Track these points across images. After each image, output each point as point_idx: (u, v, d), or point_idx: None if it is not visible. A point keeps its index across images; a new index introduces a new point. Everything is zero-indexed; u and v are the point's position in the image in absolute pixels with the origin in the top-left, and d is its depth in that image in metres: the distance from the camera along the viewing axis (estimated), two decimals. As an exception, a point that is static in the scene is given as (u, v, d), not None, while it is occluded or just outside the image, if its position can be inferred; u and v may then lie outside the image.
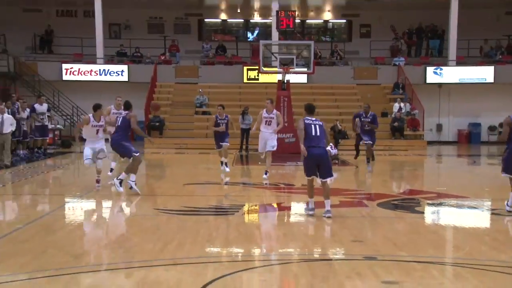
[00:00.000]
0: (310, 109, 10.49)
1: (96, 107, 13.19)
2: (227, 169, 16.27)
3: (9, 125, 18.10)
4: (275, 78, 26.44)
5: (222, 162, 16.36)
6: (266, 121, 14.90)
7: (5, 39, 32.30)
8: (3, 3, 32.42)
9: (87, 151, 12.82)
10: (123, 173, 12.34)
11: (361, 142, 18.21)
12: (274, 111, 15.13)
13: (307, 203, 10.43)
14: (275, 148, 14.98)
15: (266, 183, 14.61)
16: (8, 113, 18.74)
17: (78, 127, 14.38)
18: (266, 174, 14.95)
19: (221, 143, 16.09)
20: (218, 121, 16.11)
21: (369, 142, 17.11)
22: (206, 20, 35.45)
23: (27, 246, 8.35)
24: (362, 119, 17.18)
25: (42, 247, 8.30)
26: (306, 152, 9.89)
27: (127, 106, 13.13)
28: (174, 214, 10.67)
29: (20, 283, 6.56)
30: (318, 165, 10.02)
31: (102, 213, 11.72)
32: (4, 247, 8.30)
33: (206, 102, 29.11)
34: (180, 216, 10.57)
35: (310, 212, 10.16)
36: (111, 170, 14.85)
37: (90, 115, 13.20)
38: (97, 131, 12.92)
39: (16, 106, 20.98)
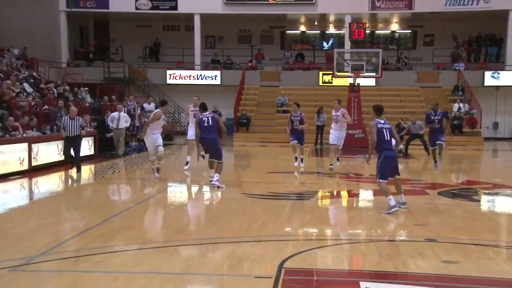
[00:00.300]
0: (379, 111, 9.62)
1: (164, 103, 13.41)
2: (302, 165, 15.21)
3: (124, 121, 18.77)
4: (347, 81, 26.15)
5: (296, 158, 15.34)
6: (334, 119, 14.74)
7: (122, 50, 33.40)
8: (121, 20, 33.43)
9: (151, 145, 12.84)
10: (216, 174, 11.75)
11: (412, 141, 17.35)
12: (341, 109, 14.79)
13: (390, 202, 9.07)
14: (340, 147, 14.99)
15: (331, 168, 14.53)
16: (124, 112, 19.40)
17: (148, 122, 13.11)
18: (337, 162, 14.99)
19: (299, 145, 15.04)
20: (292, 118, 14.95)
21: (442, 143, 15.07)
22: (287, 31, 35.37)
23: (138, 222, 8.60)
24: (432, 118, 15.18)
25: (150, 223, 8.55)
26: (377, 157, 9.34)
27: (205, 107, 12.19)
28: (258, 198, 10.73)
29: (133, 252, 6.78)
30: (393, 166, 9.38)
31: (198, 196, 11.89)
32: (119, 222, 8.58)
33: (286, 102, 29.07)
34: (264, 200, 10.62)
35: (403, 206, 9.22)
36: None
37: (158, 109, 13.19)
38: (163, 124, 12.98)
39: (133, 106, 21.71)
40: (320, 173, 15.43)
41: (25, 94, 19.99)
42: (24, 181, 13.21)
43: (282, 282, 5.53)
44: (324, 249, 7.07)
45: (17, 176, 13.51)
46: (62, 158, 16.15)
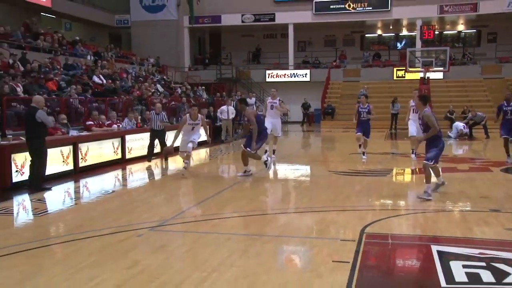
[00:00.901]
0: (426, 100, 8.11)
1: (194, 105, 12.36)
2: (364, 158, 12.57)
3: (231, 113, 19.03)
4: (418, 75, 25.04)
5: (360, 145, 12.81)
6: (413, 110, 12.15)
7: (230, 56, 33.90)
8: (230, 31, 33.83)
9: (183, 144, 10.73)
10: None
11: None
12: None
13: (427, 189, 7.80)
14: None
15: (413, 158, 12.27)
16: (232, 105, 19.69)
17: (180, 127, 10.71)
18: (413, 153, 12.43)
19: (364, 137, 12.60)
20: (360, 109, 12.62)
21: (506, 137, 11.77)
22: (366, 35, 34.31)
23: (243, 194, 8.72)
24: (504, 108, 11.79)
25: (254, 195, 8.64)
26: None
27: (246, 103, 10.75)
28: (342, 175, 10.56)
29: (239, 218, 6.89)
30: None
31: (292, 173, 11.86)
32: (229, 194, 8.75)
33: (367, 94, 28.39)
34: (346, 176, 10.44)
35: (431, 198, 7.69)
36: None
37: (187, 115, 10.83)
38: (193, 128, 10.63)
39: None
40: (395, 153, 14.92)
41: (158, 93, 20.83)
42: (158, 161, 13.79)
43: (364, 244, 5.41)
44: (399, 218, 6.83)
45: (153, 157, 14.14)
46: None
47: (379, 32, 34.19)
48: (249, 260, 4.93)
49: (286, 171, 12.17)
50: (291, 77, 31.07)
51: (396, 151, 15.73)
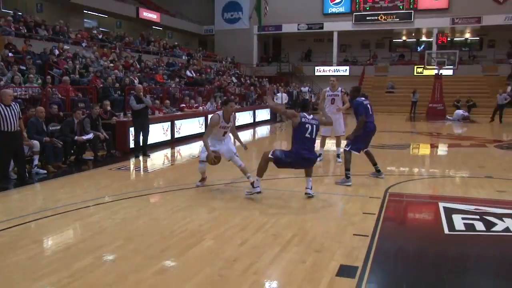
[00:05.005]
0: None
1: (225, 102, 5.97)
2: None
3: (284, 99, 18.30)
4: (433, 72, 23.34)
5: None
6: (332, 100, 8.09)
7: (288, 55, 32.49)
8: (288, 37, 32.72)
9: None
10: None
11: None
12: None
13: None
14: None
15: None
16: (285, 93, 19.12)
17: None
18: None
19: None
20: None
21: None
22: (393, 40, 31.99)
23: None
24: None
25: None
26: None
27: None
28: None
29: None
30: None
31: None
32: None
33: (394, 86, 26.95)
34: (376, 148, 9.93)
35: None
36: None
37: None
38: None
39: (293, 90, 21.46)
40: (413, 132, 14.14)
41: (232, 83, 20.89)
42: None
43: (387, 201, 5.21)
44: (415, 181, 6.50)
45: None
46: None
47: (403, 38, 32.16)
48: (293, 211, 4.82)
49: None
50: (334, 72, 29.99)
51: (414, 130, 14.92)
